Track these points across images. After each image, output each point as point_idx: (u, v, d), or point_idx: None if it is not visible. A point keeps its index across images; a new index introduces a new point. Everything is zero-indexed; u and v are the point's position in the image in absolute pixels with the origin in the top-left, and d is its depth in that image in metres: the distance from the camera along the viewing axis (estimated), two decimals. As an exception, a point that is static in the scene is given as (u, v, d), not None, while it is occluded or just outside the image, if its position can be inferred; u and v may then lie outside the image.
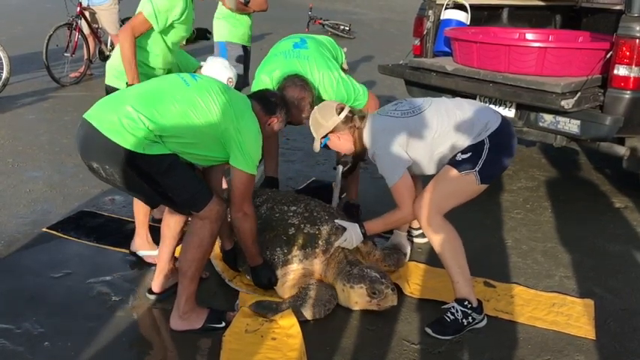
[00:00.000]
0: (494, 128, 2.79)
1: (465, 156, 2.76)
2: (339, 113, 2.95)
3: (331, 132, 2.97)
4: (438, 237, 2.76)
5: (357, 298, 2.82)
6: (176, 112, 2.48)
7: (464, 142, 2.78)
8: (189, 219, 2.77)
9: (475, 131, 2.78)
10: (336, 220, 3.06)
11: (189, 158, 2.59)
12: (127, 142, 2.41)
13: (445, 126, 2.81)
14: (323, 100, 3.39)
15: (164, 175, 2.50)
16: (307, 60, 3.49)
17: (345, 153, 3.12)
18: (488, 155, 2.74)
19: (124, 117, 2.43)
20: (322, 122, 2.97)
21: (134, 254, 3.27)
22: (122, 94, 2.62)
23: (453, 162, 2.79)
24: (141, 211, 3.23)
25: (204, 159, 2.66)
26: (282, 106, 2.86)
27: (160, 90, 2.57)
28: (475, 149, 2.76)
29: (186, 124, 2.48)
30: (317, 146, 3.07)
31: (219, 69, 3.50)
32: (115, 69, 3.33)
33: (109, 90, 3.27)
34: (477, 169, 2.73)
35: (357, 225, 2.99)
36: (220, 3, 5.09)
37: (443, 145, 2.82)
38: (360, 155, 3.04)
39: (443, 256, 2.78)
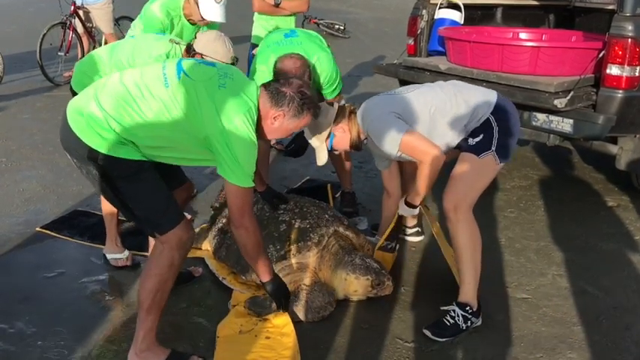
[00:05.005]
0: (493, 104, 2.76)
1: (477, 139, 2.74)
2: (332, 105, 2.97)
3: (334, 125, 2.90)
4: (464, 233, 2.71)
5: (358, 287, 2.86)
6: (146, 116, 2.23)
7: (467, 120, 2.74)
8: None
9: (478, 110, 2.74)
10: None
11: (167, 161, 2.38)
12: (92, 141, 2.23)
13: (442, 100, 2.76)
14: (319, 84, 3.47)
15: (125, 181, 2.27)
16: (301, 45, 3.52)
17: (345, 147, 3.01)
18: (500, 132, 2.72)
19: (91, 115, 2.24)
20: (322, 120, 2.88)
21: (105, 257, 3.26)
22: (101, 85, 2.36)
23: (468, 147, 2.76)
24: (108, 214, 3.20)
25: (185, 160, 2.43)
26: (298, 100, 2.36)
27: (134, 90, 2.26)
28: (484, 130, 2.73)
29: (157, 130, 2.25)
30: (324, 156, 2.94)
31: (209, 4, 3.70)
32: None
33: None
34: (493, 148, 2.71)
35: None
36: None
37: (443, 123, 2.75)
38: (356, 144, 2.95)
39: (462, 254, 2.73)
